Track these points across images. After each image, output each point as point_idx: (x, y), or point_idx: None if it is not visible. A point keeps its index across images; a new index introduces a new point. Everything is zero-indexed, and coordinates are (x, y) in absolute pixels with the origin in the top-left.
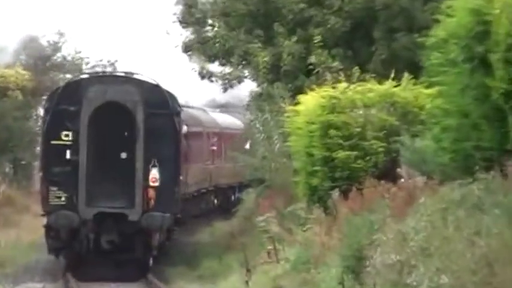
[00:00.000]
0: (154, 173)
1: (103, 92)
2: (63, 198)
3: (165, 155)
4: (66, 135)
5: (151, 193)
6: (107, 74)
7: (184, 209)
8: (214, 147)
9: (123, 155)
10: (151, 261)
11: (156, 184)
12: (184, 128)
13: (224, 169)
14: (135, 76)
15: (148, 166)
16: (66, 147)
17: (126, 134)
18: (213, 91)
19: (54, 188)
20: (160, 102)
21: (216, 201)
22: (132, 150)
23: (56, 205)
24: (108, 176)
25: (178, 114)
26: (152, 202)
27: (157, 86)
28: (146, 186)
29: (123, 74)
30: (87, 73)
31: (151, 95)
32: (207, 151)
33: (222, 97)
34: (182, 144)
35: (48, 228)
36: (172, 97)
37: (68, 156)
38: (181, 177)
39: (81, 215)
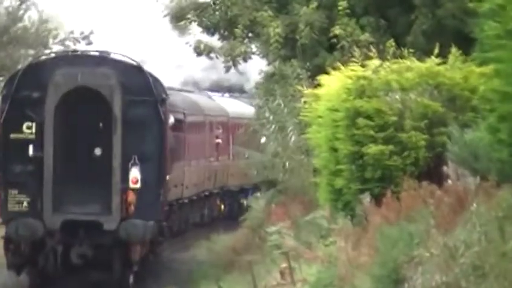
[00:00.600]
0: (134, 173)
1: (73, 75)
2: (25, 204)
3: (147, 151)
4: (29, 128)
5: (132, 197)
6: (78, 53)
7: (179, 216)
8: (219, 140)
9: (98, 152)
10: (131, 279)
11: (137, 186)
12: (171, 119)
13: (233, 167)
14: (111, 56)
15: (128, 164)
16: (28, 141)
17: (100, 125)
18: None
19: (15, 191)
20: (141, 87)
21: (222, 206)
22: (108, 146)
23: (17, 212)
24: (79, 176)
25: (163, 101)
26: (132, 208)
27: (138, 68)
28: (125, 188)
29: (96, 54)
30: (54, 52)
31: (131, 79)
32: (210, 145)
33: (223, 77)
34: (169, 137)
35: (7, 240)
36: (156, 81)
37: (30, 152)
38: (167, 177)
39: (47, 223)
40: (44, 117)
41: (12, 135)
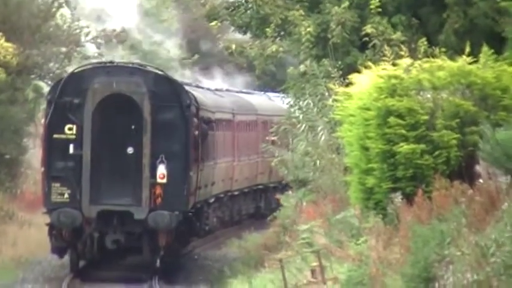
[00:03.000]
0: (161, 169)
1: (108, 83)
2: (66, 195)
3: (173, 150)
4: (70, 129)
5: (159, 190)
6: (114, 64)
7: (229, 207)
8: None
9: (130, 150)
10: (158, 263)
11: (164, 181)
12: (195, 121)
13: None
14: (142, 67)
15: (156, 162)
16: (69, 141)
17: (132, 127)
18: None
19: (57, 185)
20: (169, 95)
21: (262, 203)
22: (138, 145)
23: (59, 202)
24: (113, 172)
25: (188, 107)
26: (159, 200)
27: (166, 78)
28: (153, 183)
29: (130, 65)
30: (92, 63)
31: (160, 87)
32: (263, 142)
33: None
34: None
35: (50, 226)
36: (182, 89)
37: (71, 150)
38: (191, 174)
39: (85, 213)
40: (83, 120)
41: (55, 136)
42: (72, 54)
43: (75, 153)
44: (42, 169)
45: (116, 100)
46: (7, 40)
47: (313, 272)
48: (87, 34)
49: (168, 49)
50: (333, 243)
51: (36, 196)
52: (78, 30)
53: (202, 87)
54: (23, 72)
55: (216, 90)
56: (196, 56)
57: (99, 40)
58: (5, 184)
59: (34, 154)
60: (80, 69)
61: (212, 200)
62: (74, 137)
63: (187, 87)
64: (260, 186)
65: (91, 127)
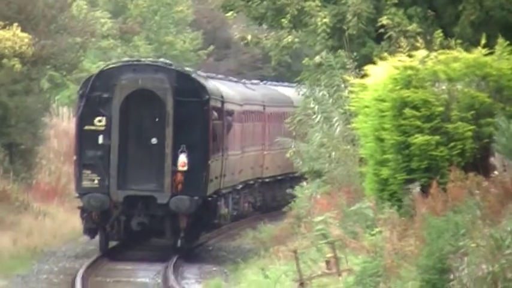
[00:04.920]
0: (182, 158)
1: (135, 79)
2: (95, 181)
3: (194, 141)
4: (99, 121)
5: (180, 177)
6: (140, 62)
7: (261, 193)
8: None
9: (154, 141)
10: (179, 243)
11: (185, 169)
12: (215, 115)
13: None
14: (166, 65)
15: (177, 151)
16: (99, 132)
17: (156, 120)
18: None
19: (87, 171)
20: (189, 91)
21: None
22: (162, 136)
23: (89, 188)
24: (138, 160)
25: (207, 101)
26: (180, 186)
27: (188, 75)
28: (175, 170)
29: (154, 63)
30: (120, 61)
31: (181, 83)
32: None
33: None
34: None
35: (82, 209)
36: (202, 86)
37: (100, 141)
38: (209, 162)
39: (113, 197)
40: (112, 113)
41: (86, 127)
42: (87, 45)
43: (104, 143)
44: (74, 157)
45: (141, 95)
46: (22, 30)
47: (327, 263)
48: (102, 25)
49: (183, 40)
50: (347, 235)
51: (52, 187)
52: (93, 21)
53: (234, 81)
54: (38, 62)
55: (248, 84)
56: (211, 47)
57: (114, 31)
58: (20, 175)
59: (49, 144)
60: (108, 66)
61: (240, 186)
62: (103, 128)
63: (213, 82)
64: (296, 174)
65: (118, 119)
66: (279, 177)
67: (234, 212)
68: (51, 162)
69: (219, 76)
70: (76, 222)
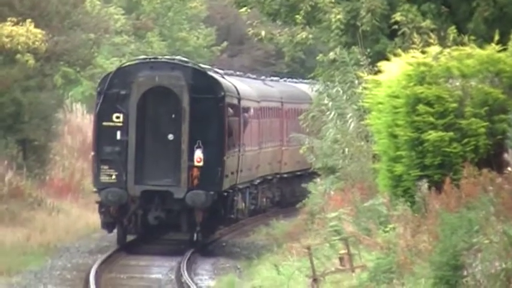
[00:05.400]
0: (198, 154)
1: (152, 77)
2: (113, 176)
3: (209, 137)
4: (117, 117)
5: (196, 172)
6: (156, 60)
7: (279, 188)
8: None
9: (170, 137)
10: (195, 237)
11: (201, 164)
12: (230, 111)
13: None
14: (182, 62)
15: (194, 147)
16: (116, 128)
17: (173, 116)
18: None
19: (105, 167)
20: (205, 88)
21: None
22: (178, 132)
23: (107, 182)
24: (155, 155)
25: (222, 98)
26: (196, 181)
27: (203, 72)
28: (191, 166)
29: (171, 60)
30: (138, 58)
31: (197, 81)
32: None
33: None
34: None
35: (100, 204)
36: (217, 83)
37: (118, 137)
38: (225, 158)
39: (130, 192)
40: (129, 110)
41: (104, 123)
42: (101, 41)
43: (122, 139)
44: (92, 153)
45: (158, 92)
46: (36, 26)
47: (341, 259)
48: (116, 21)
49: (197, 36)
50: (361, 231)
51: (65, 183)
52: (107, 17)
53: (252, 78)
54: (51, 58)
55: (266, 80)
56: (225, 43)
57: (127, 27)
58: (33, 171)
59: (62, 140)
60: (126, 64)
61: (258, 181)
62: (120, 124)
63: (229, 79)
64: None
65: (136, 116)
66: (298, 173)
67: (251, 207)
68: (64, 158)
69: (237, 73)
70: (90, 218)
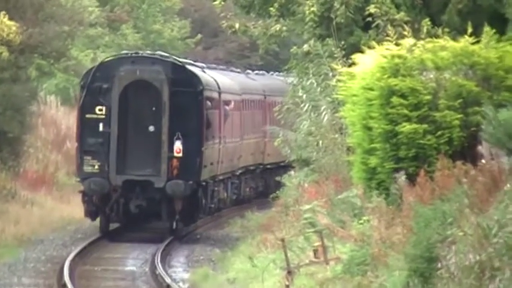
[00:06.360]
0: (178, 145)
1: (133, 71)
2: (96, 167)
3: (188, 129)
4: (100, 110)
5: (175, 163)
6: (137, 54)
7: (263, 178)
8: None
9: (151, 128)
10: (174, 225)
11: (180, 155)
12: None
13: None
14: (162, 57)
15: (173, 138)
16: (99, 120)
17: (153, 109)
18: None
19: (88, 157)
20: (184, 81)
21: None
22: (158, 124)
23: (90, 172)
24: (136, 146)
25: (201, 92)
26: (176, 171)
27: (182, 67)
28: (171, 156)
29: (151, 55)
30: (119, 54)
31: (177, 75)
32: None
33: None
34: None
35: (83, 193)
36: (196, 77)
37: (101, 128)
38: (203, 149)
39: (112, 181)
40: (111, 102)
41: (87, 116)
42: (75, 33)
43: (104, 130)
44: (76, 144)
45: (139, 85)
46: (10, 19)
47: (315, 252)
48: (90, 13)
49: (171, 28)
50: (335, 223)
51: (39, 175)
52: (81, 9)
53: (236, 72)
54: (25, 50)
55: (251, 74)
56: (199, 36)
57: (101, 19)
58: (7, 163)
59: (36, 133)
60: (108, 59)
61: (240, 171)
62: (103, 116)
63: (210, 73)
64: None
65: (118, 108)
66: (282, 164)
67: (233, 197)
68: (38, 151)
69: (221, 67)
70: (64, 210)
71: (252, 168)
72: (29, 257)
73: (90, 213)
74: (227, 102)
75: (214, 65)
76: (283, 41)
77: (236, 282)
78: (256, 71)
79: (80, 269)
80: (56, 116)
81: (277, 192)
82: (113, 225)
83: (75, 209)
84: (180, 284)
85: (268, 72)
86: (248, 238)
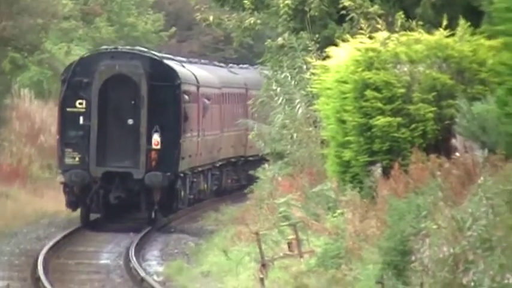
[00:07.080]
0: (156, 138)
1: (112, 66)
2: (76, 159)
3: (166, 122)
4: (80, 104)
5: (154, 155)
6: (117, 50)
7: (244, 169)
8: None
9: (130, 121)
10: (153, 215)
11: (158, 147)
12: (186, 98)
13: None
14: (140, 52)
15: (151, 131)
16: (79, 114)
17: (132, 102)
18: None
19: (69, 150)
20: (162, 76)
21: None
22: (137, 117)
23: (71, 164)
24: (116, 139)
25: (178, 86)
26: (154, 163)
27: (160, 61)
28: (149, 148)
29: (130, 50)
30: (99, 49)
31: (155, 69)
32: None
33: None
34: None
35: (64, 184)
36: (174, 71)
37: (81, 121)
38: (181, 141)
39: (92, 173)
40: (91, 96)
41: (68, 109)
42: (49, 26)
43: (85, 123)
44: (57, 137)
45: (119, 80)
46: None
47: (289, 245)
48: (64, 6)
49: (145, 21)
50: (309, 217)
51: (13, 168)
52: (55, 2)
53: (218, 65)
54: None
55: (233, 68)
56: (173, 29)
57: (76, 13)
58: None
59: (10, 126)
60: (88, 54)
61: (220, 163)
62: (83, 110)
63: (189, 67)
64: None
65: (98, 102)
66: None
67: (214, 188)
68: (12, 144)
69: (202, 61)
70: (38, 203)
71: (233, 160)
72: (3, 250)
73: (71, 204)
74: (206, 96)
75: (196, 60)
76: (257, 34)
77: (210, 275)
78: (241, 65)
79: (54, 263)
80: (30, 110)
81: (252, 185)
82: (93, 216)
83: (49, 202)
84: (154, 277)
85: (252, 65)
86: (222, 231)
